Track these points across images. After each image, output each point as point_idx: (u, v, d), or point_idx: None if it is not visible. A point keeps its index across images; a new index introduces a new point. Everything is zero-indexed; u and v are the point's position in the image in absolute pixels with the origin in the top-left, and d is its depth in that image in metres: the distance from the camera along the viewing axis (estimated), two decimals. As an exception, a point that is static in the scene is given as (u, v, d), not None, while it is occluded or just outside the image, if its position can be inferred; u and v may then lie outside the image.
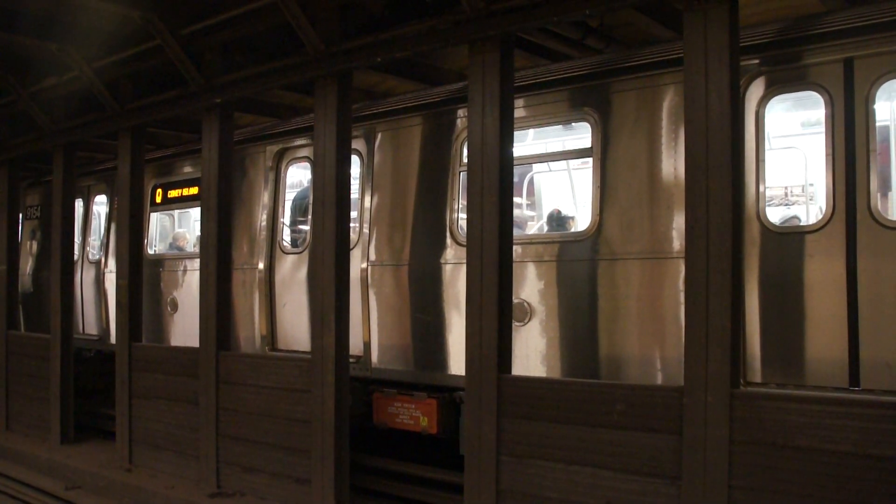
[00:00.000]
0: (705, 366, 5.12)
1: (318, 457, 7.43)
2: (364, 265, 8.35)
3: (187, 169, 10.90)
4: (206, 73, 8.55)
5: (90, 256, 12.54)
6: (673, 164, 6.42)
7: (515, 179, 6.77)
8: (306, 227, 9.27)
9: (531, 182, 10.66)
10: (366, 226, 8.45)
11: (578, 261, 6.94)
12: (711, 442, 5.08)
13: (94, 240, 12.82)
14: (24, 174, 13.17)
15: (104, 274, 11.94)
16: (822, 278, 5.75)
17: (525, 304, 7.19)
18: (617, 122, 6.81)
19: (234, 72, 8.39)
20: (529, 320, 7.19)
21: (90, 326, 12.33)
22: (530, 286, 7.22)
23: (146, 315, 10.27)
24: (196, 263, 9.38)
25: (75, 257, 11.99)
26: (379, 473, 8.52)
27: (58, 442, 10.86)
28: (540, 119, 7.52)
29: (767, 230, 6.00)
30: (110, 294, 11.49)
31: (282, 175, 9.53)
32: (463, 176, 7.56)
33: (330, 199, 7.39)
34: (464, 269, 6.55)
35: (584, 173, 9.10)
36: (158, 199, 11.28)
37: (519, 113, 6.97)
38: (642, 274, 6.58)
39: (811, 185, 7.89)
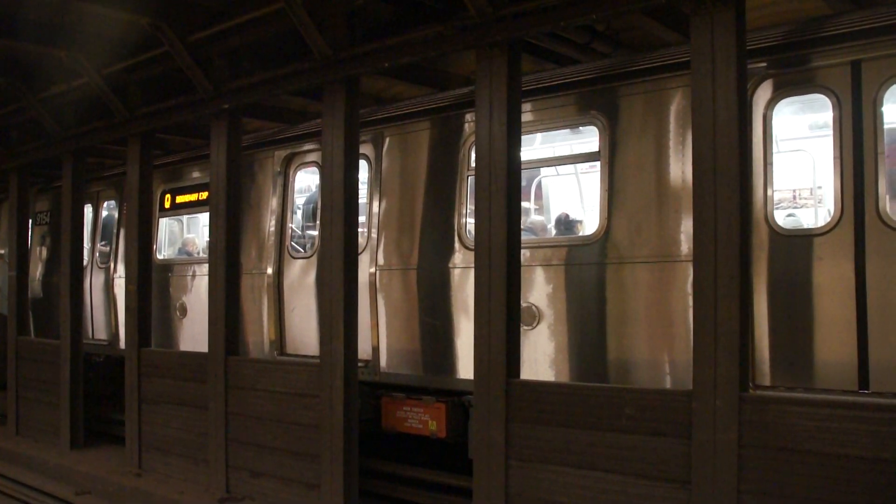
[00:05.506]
0: (714, 369, 5.12)
1: (327, 461, 7.44)
2: (372, 269, 8.36)
3: (196, 174, 10.94)
4: (214, 79, 8.58)
5: (99, 262, 12.59)
6: (681, 167, 6.41)
7: (523, 183, 6.76)
8: (315, 232, 9.28)
9: (539, 186, 10.66)
10: (374, 230, 8.46)
11: (587, 264, 6.94)
12: (721, 446, 5.07)
13: (104, 245, 12.87)
14: (33, 180, 13.24)
15: (113, 279, 11.99)
16: (831, 281, 5.73)
17: (533, 307, 7.19)
18: (624, 126, 6.81)
19: (242, 78, 8.42)
20: (538, 324, 7.19)
21: (99, 332, 12.37)
22: (539, 290, 7.21)
23: (155, 320, 10.29)
24: (205, 268, 9.42)
25: (85, 263, 12.04)
26: (388, 478, 8.53)
27: (67, 447, 10.90)
28: (547, 123, 7.52)
29: (776, 233, 5.99)
30: (119, 299, 11.53)
31: (290, 180, 9.55)
32: (471, 180, 7.55)
33: (338, 203, 7.41)
34: (472, 273, 6.55)
35: (591, 177, 9.11)
36: (167, 205, 11.32)
37: (526, 117, 6.98)
38: (650, 277, 6.57)
39: (819, 187, 7.88)
